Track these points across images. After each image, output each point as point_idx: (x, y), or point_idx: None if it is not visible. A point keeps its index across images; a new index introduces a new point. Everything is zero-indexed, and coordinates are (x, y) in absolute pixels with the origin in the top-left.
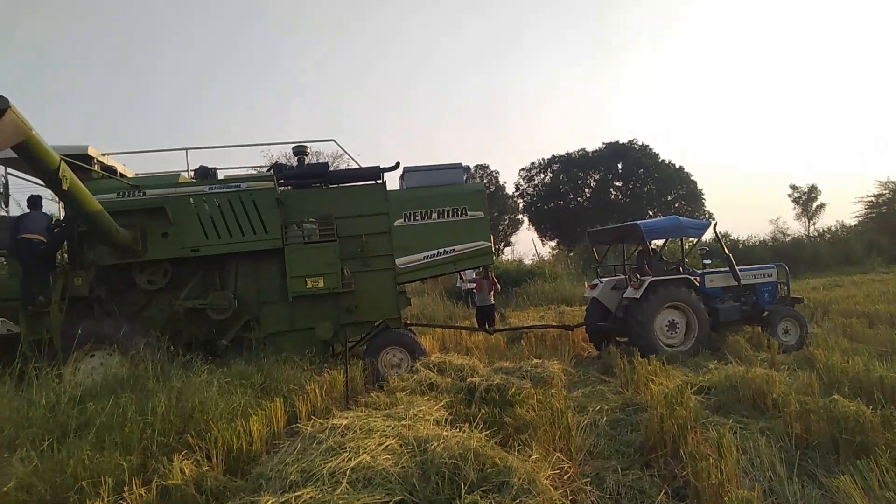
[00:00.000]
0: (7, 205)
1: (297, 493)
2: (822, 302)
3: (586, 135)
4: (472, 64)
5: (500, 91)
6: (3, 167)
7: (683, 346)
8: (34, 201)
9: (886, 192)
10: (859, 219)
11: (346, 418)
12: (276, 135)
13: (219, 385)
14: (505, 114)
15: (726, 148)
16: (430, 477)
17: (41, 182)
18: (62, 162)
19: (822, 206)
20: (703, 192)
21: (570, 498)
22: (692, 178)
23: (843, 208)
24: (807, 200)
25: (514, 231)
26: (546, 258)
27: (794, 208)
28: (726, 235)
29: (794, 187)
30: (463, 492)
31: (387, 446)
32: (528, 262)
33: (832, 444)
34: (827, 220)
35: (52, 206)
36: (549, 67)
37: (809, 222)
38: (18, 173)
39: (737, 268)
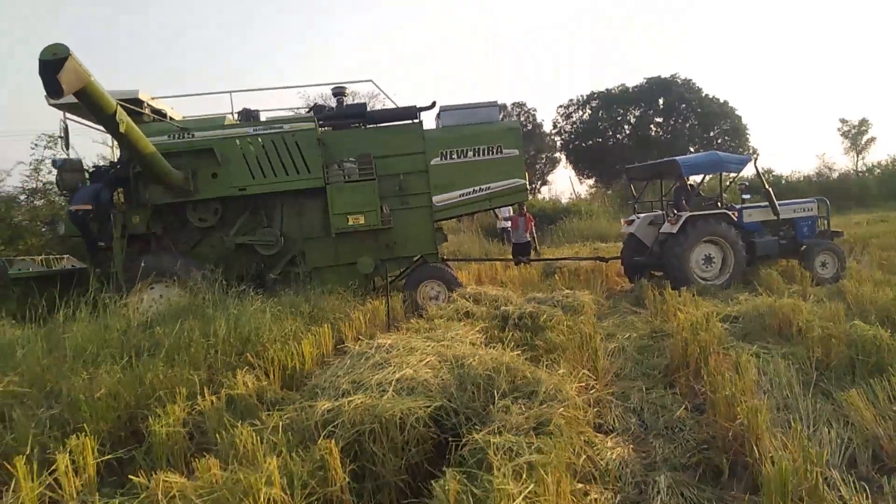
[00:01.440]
0: (68, 148)
1: (349, 399)
2: (863, 237)
3: (627, 69)
4: None
5: (539, 25)
6: (62, 112)
7: (718, 279)
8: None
9: None
10: None
11: (390, 339)
12: (312, 76)
13: (271, 313)
14: (544, 49)
15: (775, 81)
16: (467, 387)
17: (97, 126)
18: (118, 106)
19: (872, 139)
20: (747, 127)
21: (595, 409)
22: (737, 112)
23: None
24: (856, 134)
25: (552, 169)
26: (583, 196)
27: (843, 142)
28: (769, 171)
29: (843, 120)
30: (496, 399)
31: (427, 362)
32: (565, 200)
33: (849, 366)
34: (877, 155)
35: (104, 150)
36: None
37: (858, 157)
38: (76, 118)
39: (776, 202)
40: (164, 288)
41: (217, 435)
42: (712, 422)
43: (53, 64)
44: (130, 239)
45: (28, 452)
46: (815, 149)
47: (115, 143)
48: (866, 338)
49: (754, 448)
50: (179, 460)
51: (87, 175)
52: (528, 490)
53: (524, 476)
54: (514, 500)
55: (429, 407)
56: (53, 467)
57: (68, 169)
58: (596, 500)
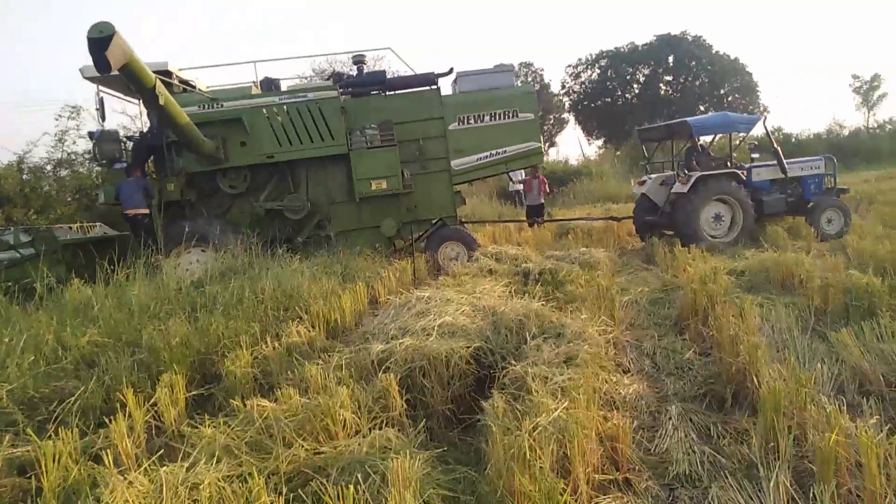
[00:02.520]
0: (104, 119)
1: (399, 341)
2: (868, 193)
3: (636, 27)
4: None
5: None
6: (96, 85)
7: (727, 237)
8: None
9: None
10: None
11: (427, 291)
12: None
13: (309, 273)
14: (551, 6)
15: (786, 37)
16: (501, 331)
17: (128, 97)
18: (157, 80)
19: (883, 95)
20: (758, 84)
21: (613, 352)
22: (748, 69)
23: None
24: (868, 90)
25: (560, 131)
26: (592, 157)
27: (854, 98)
28: (778, 129)
29: (855, 76)
30: (528, 340)
31: (463, 311)
32: (573, 162)
33: (844, 311)
34: (889, 111)
35: (123, 119)
36: None
37: (869, 113)
38: (109, 90)
39: (784, 161)
40: (199, 252)
41: (281, 375)
42: (718, 359)
43: (101, 41)
44: (165, 206)
45: (127, 388)
46: (826, 106)
47: (144, 113)
48: (860, 285)
49: (754, 379)
50: (251, 396)
51: (122, 146)
52: (563, 406)
53: (559, 396)
54: (552, 414)
55: (469, 347)
56: (152, 400)
57: (106, 139)
58: (616, 424)
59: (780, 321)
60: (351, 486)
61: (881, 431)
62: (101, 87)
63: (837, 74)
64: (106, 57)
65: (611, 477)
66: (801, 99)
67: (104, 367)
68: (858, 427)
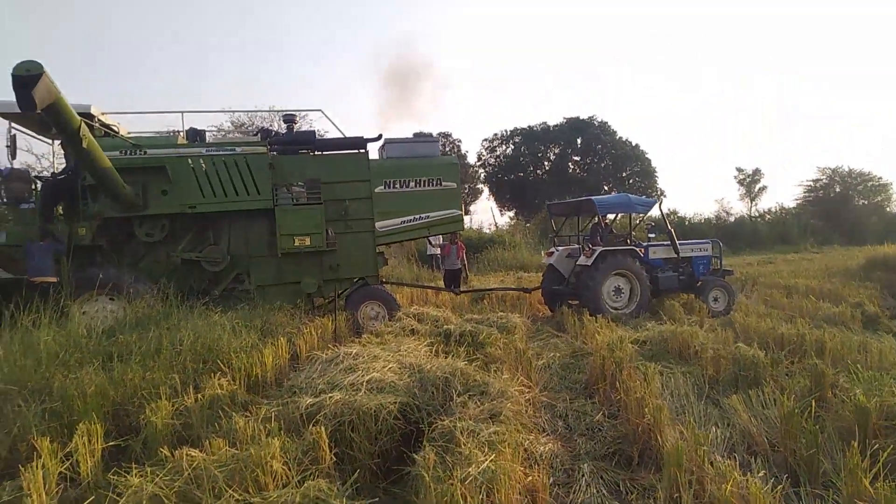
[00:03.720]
0: (14, 157)
1: (329, 395)
2: (752, 275)
3: (550, 109)
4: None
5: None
6: (9, 122)
7: (627, 308)
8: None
9: (824, 177)
10: (798, 201)
11: (355, 347)
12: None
13: (230, 326)
14: (472, 82)
15: (682, 130)
16: (427, 388)
17: (40, 136)
18: (82, 122)
19: (764, 188)
20: (656, 170)
21: (531, 410)
22: (647, 156)
23: (788, 192)
24: (750, 182)
25: (474, 200)
26: (504, 227)
27: (739, 189)
28: (673, 213)
29: (739, 169)
30: (454, 396)
31: (390, 368)
32: (486, 230)
33: (734, 380)
34: (768, 202)
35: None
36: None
37: (752, 203)
38: (23, 128)
39: (677, 242)
40: (105, 300)
41: (203, 427)
42: (625, 420)
43: (27, 79)
44: (74, 250)
45: (39, 437)
46: (715, 194)
47: (56, 153)
48: (747, 357)
49: (658, 438)
50: (172, 448)
51: (32, 186)
52: (490, 458)
53: (487, 449)
54: (481, 465)
55: (396, 403)
56: (67, 450)
57: (15, 178)
58: (536, 479)
59: (678, 387)
60: None
61: (767, 484)
62: (13, 125)
63: (726, 167)
64: (32, 95)
65: None
66: (694, 185)
67: (11, 416)
68: (749, 481)
